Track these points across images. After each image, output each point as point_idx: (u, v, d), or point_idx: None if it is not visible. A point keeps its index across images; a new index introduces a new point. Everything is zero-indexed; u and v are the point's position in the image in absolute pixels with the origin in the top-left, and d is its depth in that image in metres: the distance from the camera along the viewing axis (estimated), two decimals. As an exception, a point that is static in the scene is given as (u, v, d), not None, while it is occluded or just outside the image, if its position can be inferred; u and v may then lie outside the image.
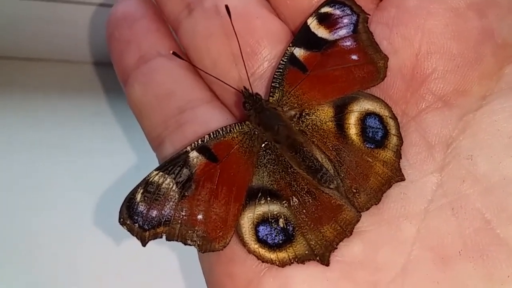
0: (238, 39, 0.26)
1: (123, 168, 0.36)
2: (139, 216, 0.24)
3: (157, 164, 0.26)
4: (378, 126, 0.25)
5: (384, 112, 0.25)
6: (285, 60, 0.26)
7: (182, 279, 0.34)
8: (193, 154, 0.25)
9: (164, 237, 0.25)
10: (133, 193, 0.25)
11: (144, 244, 0.25)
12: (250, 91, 0.26)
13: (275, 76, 0.26)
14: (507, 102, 0.24)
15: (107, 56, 0.31)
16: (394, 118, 0.25)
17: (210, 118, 0.27)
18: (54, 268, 0.32)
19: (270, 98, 0.26)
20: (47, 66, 0.39)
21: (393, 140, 0.25)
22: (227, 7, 0.25)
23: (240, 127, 0.26)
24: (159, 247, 0.31)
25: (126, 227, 0.25)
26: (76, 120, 0.37)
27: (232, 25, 0.26)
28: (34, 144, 0.36)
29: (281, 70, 0.26)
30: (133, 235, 0.25)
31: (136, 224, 0.24)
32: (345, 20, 0.27)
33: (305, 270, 0.24)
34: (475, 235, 0.23)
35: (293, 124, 0.26)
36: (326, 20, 0.27)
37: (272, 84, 0.26)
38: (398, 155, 0.25)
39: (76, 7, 0.34)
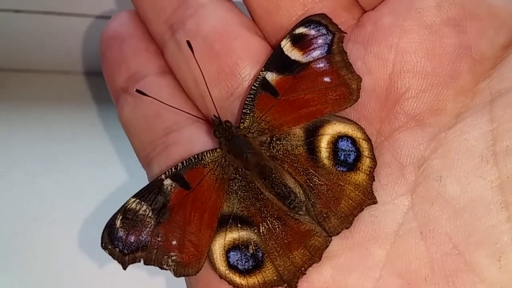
0: (200, 67, 0.26)
1: (115, 179, 0.36)
2: (119, 241, 0.25)
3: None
4: (350, 149, 0.25)
5: (356, 134, 0.25)
6: (256, 85, 0.26)
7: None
8: (167, 182, 0.26)
9: (142, 261, 0.26)
10: (113, 219, 0.26)
11: (124, 268, 0.26)
12: (220, 119, 0.26)
13: (246, 102, 0.26)
14: (478, 118, 0.24)
15: (99, 66, 0.31)
16: (368, 139, 0.25)
17: (195, 139, 0.27)
18: (42, 281, 0.34)
19: (241, 124, 0.26)
20: (39, 77, 0.39)
21: (366, 162, 0.25)
22: (188, 42, 0.26)
23: (211, 155, 0.26)
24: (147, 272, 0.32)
25: (108, 251, 0.26)
26: (69, 130, 0.38)
27: (195, 58, 0.26)
28: (26, 155, 0.37)
29: (252, 96, 0.26)
30: (114, 258, 0.26)
31: (117, 249, 0.25)
32: (320, 41, 0.26)
33: None
34: (442, 260, 0.23)
35: (263, 150, 0.26)
36: (300, 42, 0.26)
37: (243, 110, 0.26)
38: (371, 177, 0.25)
39: (69, 19, 0.35)
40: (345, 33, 0.26)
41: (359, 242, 0.24)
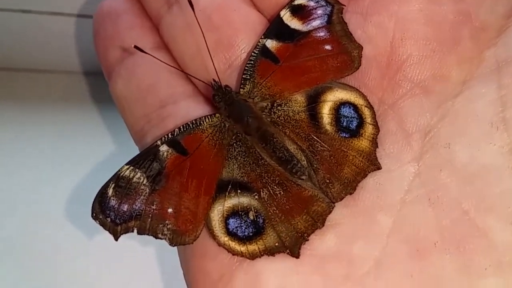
0: (203, 32, 0.26)
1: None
2: (111, 211, 0.24)
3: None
4: (353, 115, 0.25)
5: (359, 101, 0.25)
6: (256, 52, 0.26)
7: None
8: (163, 148, 0.25)
9: (135, 231, 0.25)
10: (104, 187, 0.25)
11: (116, 238, 0.25)
12: (220, 83, 0.26)
13: (246, 67, 0.26)
14: (486, 87, 0.23)
15: (97, 66, 0.31)
16: (370, 106, 0.25)
17: (192, 112, 0.27)
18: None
19: (241, 90, 0.26)
20: (39, 76, 0.39)
21: (369, 129, 0.24)
22: (190, 1, 0.25)
23: (210, 120, 0.26)
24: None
25: (99, 221, 0.25)
26: (69, 128, 0.38)
27: (196, 18, 0.25)
28: (28, 153, 0.37)
29: (252, 62, 0.26)
30: (105, 229, 0.25)
31: (108, 219, 0.24)
32: (319, 11, 0.26)
33: (276, 263, 0.24)
34: (452, 226, 0.22)
35: (264, 115, 0.25)
36: (300, 12, 0.26)
37: (243, 76, 0.26)
38: (374, 144, 0.24)
39: (69, 19, 0.35)
40: (344, 5, 0.26)
41: (364, 210, 0.24)
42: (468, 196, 0.22)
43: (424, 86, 0.24)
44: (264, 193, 0.24)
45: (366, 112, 0.25)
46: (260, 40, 0.26)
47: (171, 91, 0.28)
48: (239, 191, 0.25)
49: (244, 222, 0.24)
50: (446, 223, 0.22)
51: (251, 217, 0.24)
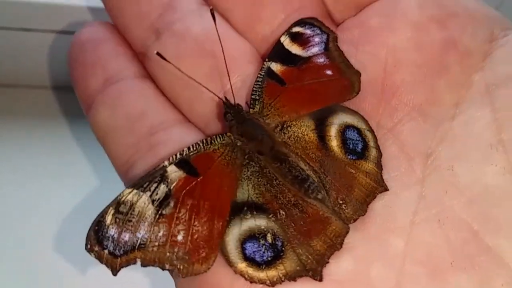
0: (222, 46, 0.25)
1: (85, 193, 0.33)
2: (110, 241, 0.22)
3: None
4: (357, 138, 0.25)
5: (361, 125, 0.25)
6: (262, 74, 0.26)
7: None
8: (171, 169, 0.23)
9: (139, 262, 0.22)
10: (102, 215, 0.22)
11: (115, 273, 0.22)
12: (230, 101, 0.25)
13: (254, 88, 0.26)
14: (481, 110, 0.25)
15: (66, 81, 0.29)
16: (371, 130, 0.25)
17: (185, 139, 0.25)
18: None
19: (251, 109, 0.25)
20: (7, 91, 0.37)
21: (373, 152, 0.25)
22: (212, 11, 0.25)
23: (221, 139, 0.25)
24: (131, 274, 0.28)
25: (94, 254, 0.22)
26: (37, 143, 0.35)
27: (216, 29, 0.25)
28: None
29: (259, 83, 0.26)
30: (102, 263, 0.22)
31: (106, 250, 0.22)
32: (316, 39, 0.27)
33: None
34: (464, 246, 0.23)
35: (276, 135, 0.25)
36: (298, 38, 0.27)
37: (252, 96, 0.25)
38: (380, 166, 0.25)
39: (35, 34, 0.34)
40: (337, 34, 0.27)
41: (375, 233, 0.23)
42: (475, 216, 0.23)
43: (420, 110, 0.25)
44: (281, 214, 0.23)
45: (369, 135, 0.25)
46: (265, 62, 0.26)
47: (162, 118, 0.26)
48: (255, 212, 0.23)
49: (263, 246, 0.23)
50: (457, 243, 0.23)
51: (270, 240, 0.23)
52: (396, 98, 0.26)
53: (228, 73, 0.25)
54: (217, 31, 0.25)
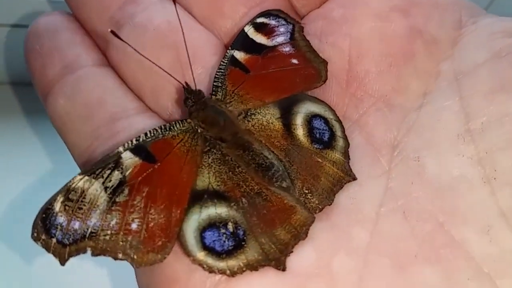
0: (184, 36, 0.24)
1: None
2: (58, 230, 0.21)
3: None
4: (324, 128, 0.24)
5: (328, 115, 0.25)
6: (225, 61, 0.25)
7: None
8: (127, 155, 0.22)
9: (89, 252, 0.21)
10: (50, 202, 0.21)
11: (63, 263, 0.21)
12: (191, 87, 0.24)
13: (216, 76, 0.25)
14: (449, 99, 0.24)
15: (24, 76, 0.28)
16: (339, 120, 0.25)
17: (149, 127, 0.24)
18: None
19: (213, 96, 0.24)
20: None
21: (340, 142, 0.24)
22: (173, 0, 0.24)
23: (181, 125, 0.24)
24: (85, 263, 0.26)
25: (41, 243, 0.21)
26: None
27: (179, 18, 0.24)
28: None
29: (222, 71, 0.25)
30: (49, 252, 0.21)
31: (54, 239, 0.20)
32: (282, 29, 0.26)
33: (256, 284, 0.21)
34: (429, 239, 0.22)
35: (239, 122, 0.24)
36: (263, 28, 0.26)
37: (214, 83, 0.25)
38: (347, 156, 0.24)
39: None
40: (303, 24, 0.27)
41: (340, 223, 0.23)
42: (441, 208, 0.22)
43: (386, 100, 0.25)
44: (243, 202, 0.22)
45: (336, 125, 0.25)
46: (228, 51, 0.25)
47: (123, 106, 0.25)
48: (215, 201, 0.22)
49: (223, 235, 0.22)
50: (423, 236, 0.22)
51: (231, 229, 0.22)
52: (360, 89, 0.25)
53: (190, 62, 0.24)
54: (179, 20, 0.24)
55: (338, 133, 0.24)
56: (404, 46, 0.26)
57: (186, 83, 0.24)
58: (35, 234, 0.20)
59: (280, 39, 0.26)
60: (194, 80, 0.24)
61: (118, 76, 0.27)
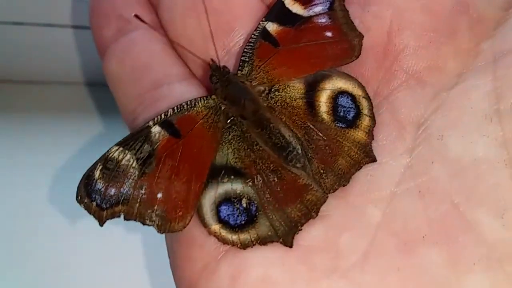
0: (207, 15, 0.25)
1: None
2: (97, 194, 0.23)
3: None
4: (350, 106, 0.24)
5: (357, 92, 0.24)
6: (256, 34, 0.25)
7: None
8: (155, 129, 0.24)
9: (122, 216, 0.24)
10: (91, 169, 0.23)
11: (101, 224, 0.24)
12: (218, 64, 0.25)
13: (245, 50, 0.25)
14: (482, 79, 0.23)
15: (100, 77, 0.30)
16: (368, 98, 0.24)
17: (187, 95, 0.25)
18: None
19: (239, 72, 0.25)
20: (40, 88, 0.39)
21: (366, 120, 0.24)
22: None
23: (205, 101, 0.25)
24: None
25: (84, 205, 0.23)
26: (70, 140, 0.37)
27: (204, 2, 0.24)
28: (29, 165, 0.36)
29: (252, 44, 0.25)
30: (90, 213, 0.23)
31: (94, 203, 0.23)
32: None
33: (263, 254, 0.23)
34: (441, 220, 0.22)
35: (261, 100, 0.25)
36: None
37: (241, 58, 0.25)
38: (370, 136, 0.24)
39: (69, 30, 0.35)
40: None
41: (354, 201, 0.23)
42: (459, 189, 0.22)
43: (419, 77, 0.24)
44: (258, 180, 0.24)
45: (364, 103, 0.24)
46: (261, 22, 0.25)
47: (166, 72, 0.27)
48: (232, 177, 0.24)
49: (237, 210, 0.23)
50: (435, 216, 0.22)
51: (244, 205, 0.23)
52: (396, 63, 0.24)
53: (212, 36, 0.25)
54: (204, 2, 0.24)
55: (365, 111, 0.24)
56: (448, 22, 0.24)
57: (212, 60, 0.25)
58: (79, 197, 0.23)
59: (317, 9, 0.25)
60: (217, 56, 0.25)
61: (168, 37, 0.28)
